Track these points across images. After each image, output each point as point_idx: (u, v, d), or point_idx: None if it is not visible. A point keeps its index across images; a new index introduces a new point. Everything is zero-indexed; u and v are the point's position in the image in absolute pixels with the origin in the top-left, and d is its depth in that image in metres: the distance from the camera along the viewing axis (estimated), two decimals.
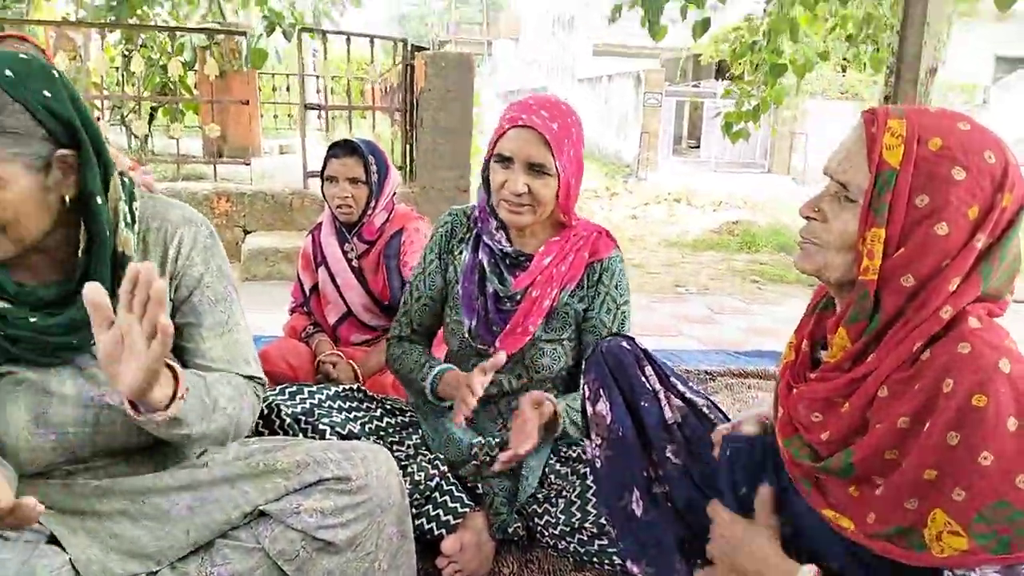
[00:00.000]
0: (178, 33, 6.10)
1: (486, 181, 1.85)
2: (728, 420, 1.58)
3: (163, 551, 1.33)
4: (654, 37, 4.41)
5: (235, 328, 1.45)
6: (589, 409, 1.63)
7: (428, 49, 5.54)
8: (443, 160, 4.94)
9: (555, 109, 1.76)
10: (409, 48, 5.26)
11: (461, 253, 1.93)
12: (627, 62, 22.87)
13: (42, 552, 1.22)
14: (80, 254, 1.25)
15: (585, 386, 1.66)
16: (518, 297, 1.85)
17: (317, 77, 9.55)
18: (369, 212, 2.46)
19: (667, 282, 6.03)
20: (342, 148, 2.45)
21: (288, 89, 11.90)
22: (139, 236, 1.35)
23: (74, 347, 1.27)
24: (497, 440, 1.87)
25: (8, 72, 1.12)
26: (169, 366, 1.17)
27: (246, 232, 5.36)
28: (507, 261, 1.87)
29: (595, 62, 24.02)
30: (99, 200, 1.23)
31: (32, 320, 1.24)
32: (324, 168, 2.48)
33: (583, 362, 1.86)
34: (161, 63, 6.85)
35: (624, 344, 1.62)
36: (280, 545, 1.34)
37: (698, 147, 17.75)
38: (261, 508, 1.37)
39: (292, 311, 2.73)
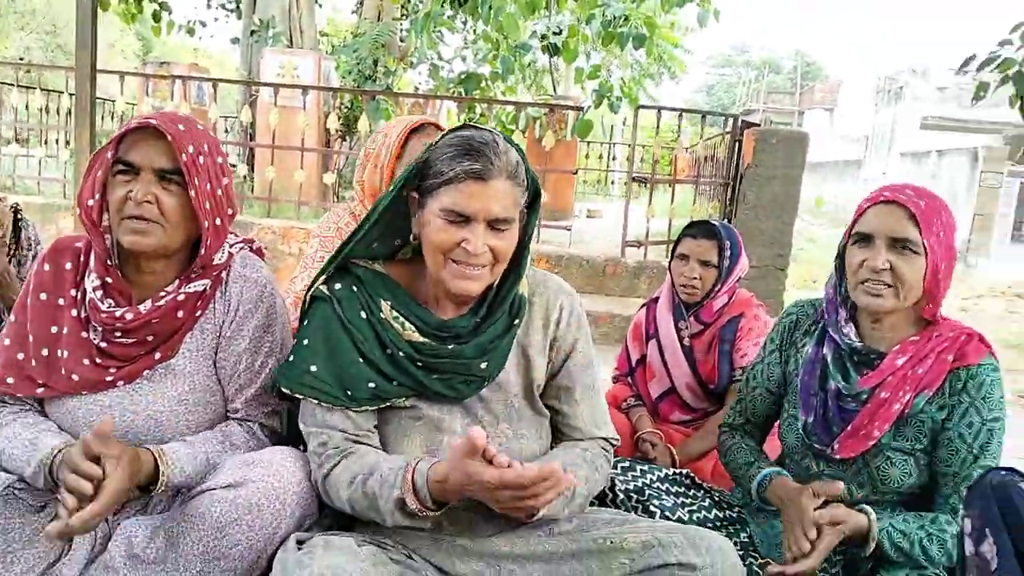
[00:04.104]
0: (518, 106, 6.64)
1: (838, 269, 1.74)
2: None
3: None
4: None
5: (598, 392, 1.61)
6: (969, 547, 1.42)
7: (758, 124, 5.46)
8: (763, 237, 4.80)
9: (922, 189, 1.65)
10: (739, 123, 5.23)
11: (804, 346, 1.83)
12: (960, 137, 20.80)
13: None
14: (494, 291, 1.48)
15: (967, 519, 1.45)
16: (863, 397, 1.69)
17: (641, 147, 9.83)
18: (712, 295, 2.44)
19: (1009, 391, 5.23)
20: (700, 229, 2.46)
21: (600, 156, 12.42)
22: (528, 298, 1.54)
23: (480, 373, 1.47)
24: (839, 556, 1.71)
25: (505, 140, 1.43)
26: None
27: None
28: (854, 358, 1.72)
29: (921, 136, 22.13)
30: (527, 249, 1.47)
31: (449, 347, 1.45)
32: (676, 245, 2.50)
33: (939, 481, 1.65)
34: None
35: (1022, 485, 1.40)
36: None
37: None
38: None
39: (615, 379, 2.76)
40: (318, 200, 6.82)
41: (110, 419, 1.39)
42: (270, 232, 5.59)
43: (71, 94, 5.93)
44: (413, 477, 1.30)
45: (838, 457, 1.70)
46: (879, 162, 22.45)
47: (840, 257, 1.74)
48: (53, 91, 7.81)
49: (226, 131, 10.92)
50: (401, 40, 9.85)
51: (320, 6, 12.07)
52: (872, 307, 1.65)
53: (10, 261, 2.24)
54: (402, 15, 10.12)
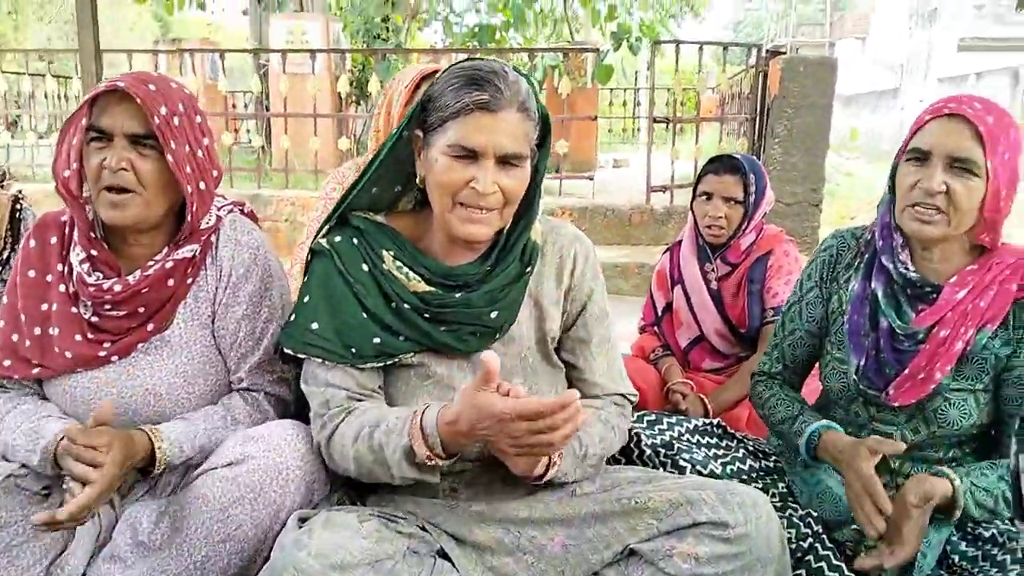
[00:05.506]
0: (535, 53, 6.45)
1: (892, 190, 1.57)
2: None
3: None
4: None
5: (614, 344, 1.54)
6: None
7: (784, 53, 5.21)
8: (794, 172, 4.59)
9: (991, 104, 1.47)
10: (764, 53, 4.99)
11: (848, 281, 1.67)
12: (999, 57, 20.01)
13: (440, 567, 1.28)
14: (504, 236, 1.39)
15: (1022, 457, 1.33)
16: (920, 336, 1.55)
17: (667, 90, 9.49)
18: (739, 233, 2.30)
19: None
20: (722, 164, 2.32)
21: (624, 103, 12.10)
22: (540, 246, 1.46)
23: (491, 324, 1.39)
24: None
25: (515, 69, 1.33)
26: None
27: None
28: (908, 291, 1.57)
29: (959, 59, 21.34)
30: (539, 190, 1.38)
31: (457, 296, 1.38)
32: (698, 183, 2.37)
33: (1007, 421, 1.52)
34: None
35: None
36: None
37: None
38: (632, 546, 1.32)
39: (642, 330, 2.66)
40: (335, 167, 6.73)
41: (108, 404, 1.35)
42: (289, 204, 5.55)
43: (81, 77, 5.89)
44: (421, 422, 1.23)
45: (894, 404, 1.57)
46: (915, 89, 21.69)
47: (893, 177, 1.57)
48: (66, 77, 7.83)
49: (245, 105, 10.86)
50: None
51: None
52: (920, 234, 1.50)
53: (9, 254, 2.16)
54: None
